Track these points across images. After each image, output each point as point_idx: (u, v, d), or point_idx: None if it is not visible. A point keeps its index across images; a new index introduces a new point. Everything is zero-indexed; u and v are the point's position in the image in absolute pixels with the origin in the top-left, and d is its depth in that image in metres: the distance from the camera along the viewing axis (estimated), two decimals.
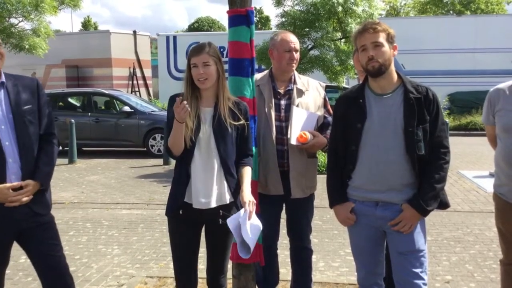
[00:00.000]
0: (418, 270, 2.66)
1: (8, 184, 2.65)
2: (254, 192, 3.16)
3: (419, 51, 18.67)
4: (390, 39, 2.65)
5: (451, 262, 4.80)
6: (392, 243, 2.75)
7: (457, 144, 12.73)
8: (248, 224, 2.69)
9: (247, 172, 2.89)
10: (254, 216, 2.83)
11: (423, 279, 2.66)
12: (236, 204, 2.87)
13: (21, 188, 2.69)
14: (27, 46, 12.15)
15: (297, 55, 3.44)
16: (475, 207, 6.99)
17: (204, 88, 2.80)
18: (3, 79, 2.73)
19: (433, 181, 2.65)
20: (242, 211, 2.72)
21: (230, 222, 2.71)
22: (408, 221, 2.66)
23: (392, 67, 2.71)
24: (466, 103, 18.62)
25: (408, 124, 2.62)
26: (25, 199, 2.70)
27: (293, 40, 3.43)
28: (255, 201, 2.79)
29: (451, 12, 32.48)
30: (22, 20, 12.57)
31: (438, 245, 5.31)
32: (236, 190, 2.86)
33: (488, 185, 7.99)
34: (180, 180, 2.82)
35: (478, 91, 17.36)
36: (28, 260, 4.55)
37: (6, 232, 2.74)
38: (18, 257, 2.97)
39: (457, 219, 6.33)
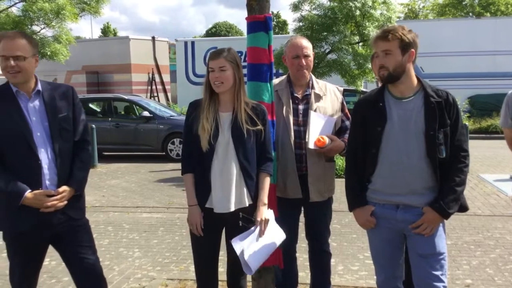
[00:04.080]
0: (438, 273, 2.67)
1: (43, 191, 2.73)
2: (272, 196, 3.21)
3: (439, 53, 18.50)
4: (404, 46, 2.63)
5: (471, 266, 4.77)
6: (412, 246, 2.76)
7: (477, 148, 12.60)
8: (253, 244, 2.80)
9: (264, 184, 2.92)
10: (273, 227, 2.90)
11: (443, 281, 2.67)
12: (255, 207, 2.91)
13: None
14: (48, 53, 12.36)
15: (307, 61, 3.40)
16: (496, 210, 6.92)
17: (219, 92, 2.85)
18: (39, 87, 2.82)
19: (454, 184, 2.66)
20: (251, 230, 2.83)
21: (235, 242, 2.80)
22: (429, 224, 2.68)
23: (411, 72, 2.71)
24: (486, 106, 18.42)
25: (430, 127, 2.63)
26: (60, 204, 2.77)
27: (303, 45, 3.40)
28: (268, 219, 2.87)
29: (470, 14, 32.14)
30: (44, 27, 12.80)
31: (458, 249, 5.28)
32: (256, 193, 2.91)
33: (509, 188, 7.88)
34: (200, 186, 2.87)
35: (499, 93, 17.08)
36: (53, 263, 4.71)
37: (42, 236, 2.83)
38: None
39: (478, 223, 6.28)
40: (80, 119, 2.93)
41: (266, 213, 2.88)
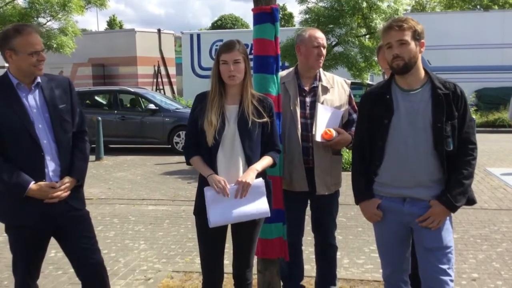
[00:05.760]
0: (445, 267, 2.65)
1: (48, 182, 2.75)
2: (279, 188, 3.20)
3: (446, 46, 18.34)
4: (417, 36, 2.63)
5: (478, 260, 4.75)
6: (419, 239, 2.75)
7: (484, 141, 12.52)
8: (225, 200, 2.72)
9: (264, 159, 2.85)
10: (259, 199, 2.80)
11: (450, 275, 2.65)
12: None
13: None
14: (55, 45, 12.36)
15: (324, 51, 3.46)
16: (503, 204, 6.89)
17: (233, 84, 2.82)
18: (39, 79, 2.82)
19: (462, 177, 2.64)
20: (232, 186, 2.75)
21: (209, 188, 2.74)
22: (436, 217, 2.66)
23: (419, 64, 2.69)
24: (493, 99, 18.26)
25: (437, 120, 2.61)
26: (64, 195, 2.79)
27: (321, 36, 3.45)
28: (250, 184, 2.74)
29: (478, 7, 31.85)
30: (50, 20, 12.79)
31: (465, 243, 5.26)
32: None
33: None
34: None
35: (506, 87, 17.03)
36: (59, 254, 4.73)
37: (45, 227, 2.84)
38: (49, 251, 3.06)
39: (484, 216, 6.25)
40: (77, 110, 2.95)
41: (251, 177, 2.76)
